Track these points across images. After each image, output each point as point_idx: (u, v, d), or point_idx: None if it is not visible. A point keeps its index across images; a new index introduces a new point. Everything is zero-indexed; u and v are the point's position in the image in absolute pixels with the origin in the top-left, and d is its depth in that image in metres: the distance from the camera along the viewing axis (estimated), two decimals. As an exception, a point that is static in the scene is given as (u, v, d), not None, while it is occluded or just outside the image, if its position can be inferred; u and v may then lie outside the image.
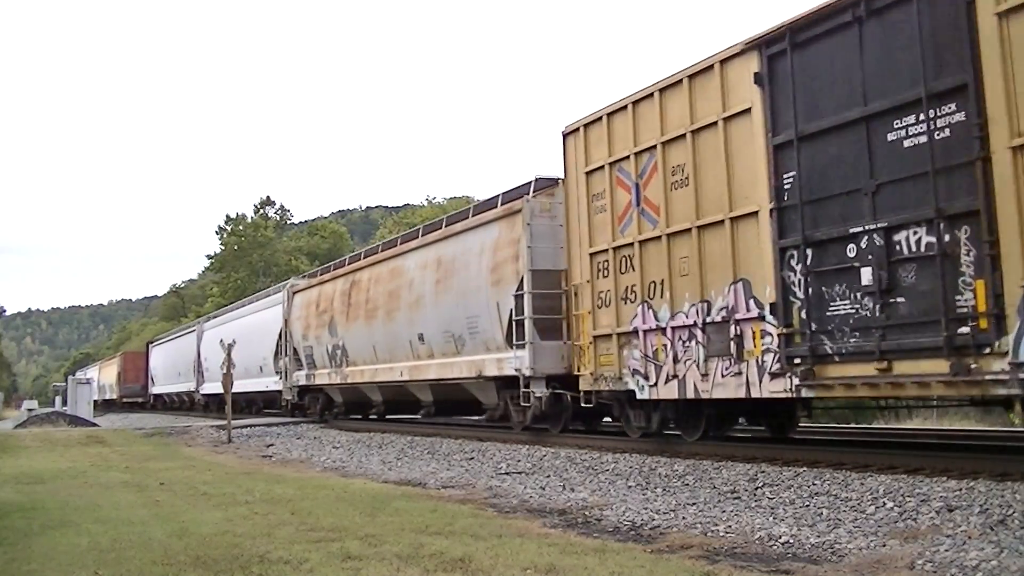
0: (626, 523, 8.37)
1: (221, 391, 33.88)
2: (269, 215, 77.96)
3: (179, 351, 46.59)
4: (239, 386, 31.17)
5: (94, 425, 33.58)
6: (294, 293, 28.62)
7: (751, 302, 11.16)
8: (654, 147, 12.82)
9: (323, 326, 25.19)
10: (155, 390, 54.49)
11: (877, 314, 9.52)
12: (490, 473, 12.89)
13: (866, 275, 9.63)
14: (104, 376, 72.09)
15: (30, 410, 53.79)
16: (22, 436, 25.33)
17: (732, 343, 11.42)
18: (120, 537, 7.81)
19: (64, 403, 51.71)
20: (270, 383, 30.51)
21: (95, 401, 67.04)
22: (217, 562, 6.61)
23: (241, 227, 75.29)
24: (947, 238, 8.86)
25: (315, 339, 25.95)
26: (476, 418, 21.86)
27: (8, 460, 17.22)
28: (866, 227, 9.66)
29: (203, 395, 40.20)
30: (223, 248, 75.34)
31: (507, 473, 12.76)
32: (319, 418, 26.80)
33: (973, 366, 8.57)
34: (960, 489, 8.29)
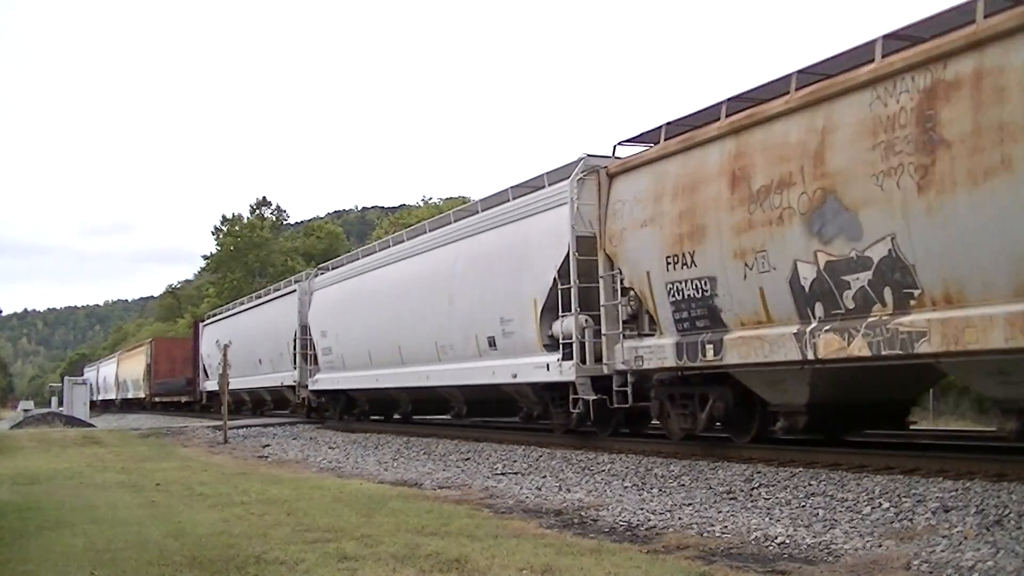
0: (622, 523, 8.38)
1: (354, 386, 23.57)
2: (265, 216, 77.80)
3: (261, 326, 31.43)
4: (449, 376, 18.36)
5: (90, 426, 33.60)
6: (616, 174, 13.59)
7: None
8: None
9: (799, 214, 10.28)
10: (211, 385, 37.75)
11: None
12: (486, 473, 12.90)
13: None
14: (125, 370, 59.42)
15: (26, 411, 53.79)
16: (18, 436, 25.34)
17: None
18: (116, 537, 7.80)
19: (60, 404, 51.49)
20: (543, 364, 14.96)
21: (113, 401, 61.32)
22: (213, 563, 6.60)
23: (237, 228, 75.11)
24: None
25: (759, 250, 10.81)
26: None
27: (4, 461, 17.19)
28: None
29: (316, 391, 25.97)
30: (219, 249, 75.16)
31: (503, 473, 12.77)
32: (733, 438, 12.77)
33: None
34: (956, 490, 8.30)
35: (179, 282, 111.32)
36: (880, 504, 8.19)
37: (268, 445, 20.60)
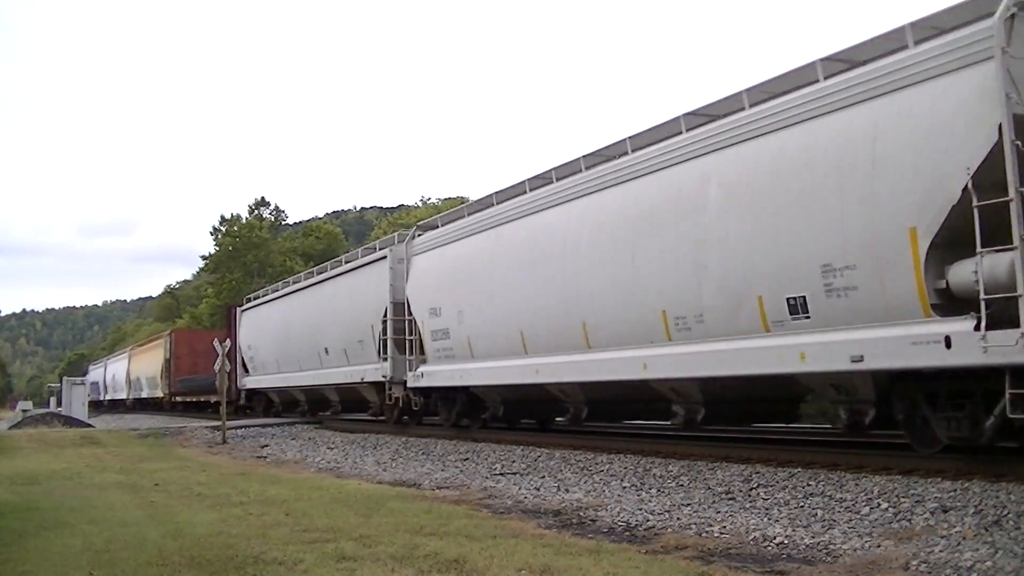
0: (621, 524, 8.38)
1: (487, 382, 17.09)
2: (264, 216, 77.85)
3: (329, 307, 24.61)
4: (689, 364, 12.15)
5: (89, 426, 33.56)
6: None
7: None
8: None
9: None
10: (254, 382, 32.18)
11: None
12: (485, 474, 12.90)
13: None
14: (138, 367, 53.30)
15: (25, 411, 53.57)
16: (17, 437, 25.30)
17: None
18: (114, 538, 7.80)
19: (59, 404, 51.35)
20: None
21: (124, 401, 56.60)
22: (211, 563, 6.60)
23: (236, 228, 75.18)
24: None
25: None
26: None
27: (3, 461, 17.18)
28: None
29: (420, 389, 19.65)
30: (218, 249, 75.23)
31: (502, 474, 12.77)
32: None
33: None
34: (955, 490, 8.30)
35: (177, 282, 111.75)
36: (879, 504, 8.20)
37: (267, 445, 20.60)
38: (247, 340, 32.57)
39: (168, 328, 64.20)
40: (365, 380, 21.89)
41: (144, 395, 50.69)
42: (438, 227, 19.56)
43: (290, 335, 27.81)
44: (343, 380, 23.53)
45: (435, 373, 18.68)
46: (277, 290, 31.13)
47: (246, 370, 32.89)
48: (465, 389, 18.25)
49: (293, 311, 27.87)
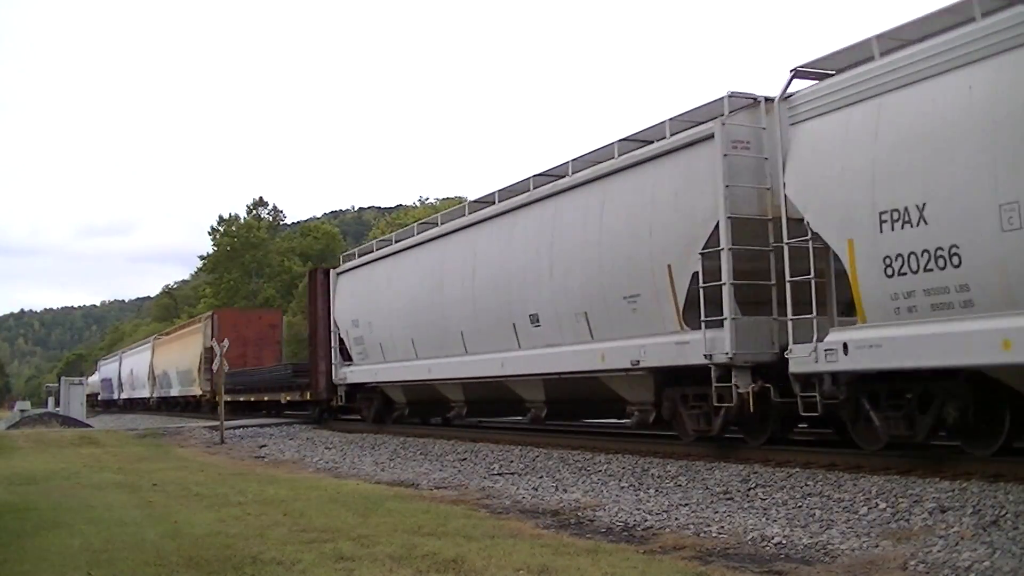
0: (619, 524, 8.38)
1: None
2: (262, 216, 77.93)
3: (556, 239, 14.43)
4: None
5: (87, 426, 33.58)
6: None
7: None
8: None
9: None
10: (363, 374, 22.42)
11: None
12: (483, 474, 12.90)
13: None
14: (165, 359, 44.48)
15: (23, 411, 53.48)
16: (15, 437, 25.31)
17: None
18: (113, 538, 7.80)
19: (57, 404, 51.31)
20: None
21: (147, 400, 49.68)
22: (210, 563, 6.60)
23: (234, 228, 75.26)
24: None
25: None
26: None
27: (1, 461, 17.17)
28: None
29: (829, 374, 10.17)
30: (216, 249, 75.31)
31: (500, 474, 12.77)
32: None
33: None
34: (953, 490, 8.31)
35: (175, 283, 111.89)
36: (877, 504, 8.20)
37: (265, 445, 20.59)
38: (350, 314, 22.89)
39: (166, 327, 63.32)
40: (642, 364, 12.66)
41: (174, 393, 41.90)
42: (873, 58, 9.65)
43: (442, 300, 18.12)
44: (583, 366, 13.92)
45: (889, 344, 9.38)
46: (408, 235, 20.98)
47: (345, 358, 23.46)
48: (959, 374, 9.20)
49: (448, 262, 18.11)
